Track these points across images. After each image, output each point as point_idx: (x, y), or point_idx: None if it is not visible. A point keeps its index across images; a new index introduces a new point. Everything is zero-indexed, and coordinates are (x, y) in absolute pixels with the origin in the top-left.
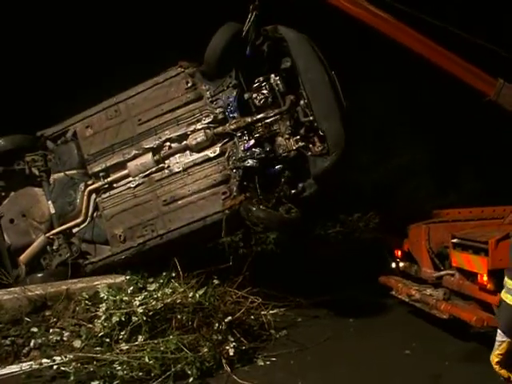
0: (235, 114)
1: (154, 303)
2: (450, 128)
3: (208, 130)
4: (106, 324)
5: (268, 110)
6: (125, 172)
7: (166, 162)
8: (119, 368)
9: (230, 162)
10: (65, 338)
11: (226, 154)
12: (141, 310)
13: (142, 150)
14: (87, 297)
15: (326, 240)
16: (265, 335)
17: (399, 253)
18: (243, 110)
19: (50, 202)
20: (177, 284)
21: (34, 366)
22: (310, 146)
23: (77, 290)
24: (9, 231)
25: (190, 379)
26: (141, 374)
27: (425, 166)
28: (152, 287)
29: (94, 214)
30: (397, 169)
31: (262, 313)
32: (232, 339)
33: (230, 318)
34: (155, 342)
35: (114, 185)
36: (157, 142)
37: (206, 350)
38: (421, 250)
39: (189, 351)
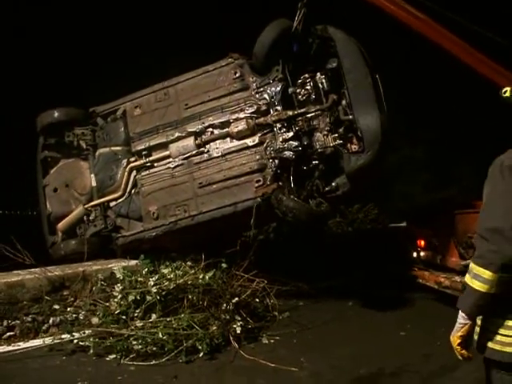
0: (278, 107)
1: (166, 284)
2: (447, 121)
3: (250, 120)
4: (122, 302)
5: (310, 106)
6: (166, 153)
7: (207, 146)
8: (135, 343)
9: (268, 152)
10: (82, 316)
11: (265, 144)
12: (155, 290)
13: (185, 133)
14: (103, 278)
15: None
16: (269, 316)
17: (422, 242)
18: (286, 103)
19: (92, 175)
20: (187, 267)
21: (55, 341)
22: (347, 144)
23: (93, 271)
24: (51, 199)
25: (201, 354)
26: (155, 348)
27: (423, 160)
28: (164, 270)
29: (132, 191)
30: (395, 163)
31: (267, 295)
32: (239, 318)
33: (236, 299)
34: (168, 319)
35: (155, 164)
36: (200, 126)
37: (214, 327)
38: (447, 240)
39: (199, 328)
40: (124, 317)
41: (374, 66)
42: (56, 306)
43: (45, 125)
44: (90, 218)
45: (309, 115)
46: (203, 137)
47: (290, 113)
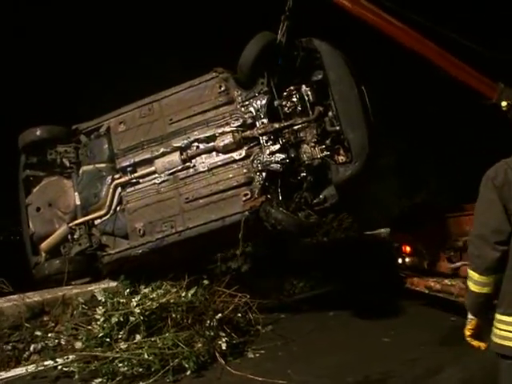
0: (264, 120)
1: (149, 303)
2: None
3: (236, 133)
4: (105, 325)
5: (296, 118)
6: (151, 168)
7: (193, 161)
8: (120, 365)
9: (255, 165)
10: (65, 341)
11: (251, 157)
12: (138, 310)
13: (171, 149)
14: (83, 301)
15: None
16: (252, 330)
17: (407, 248)
18: (272, 116)
19: (76, 194)
20: (169, 286)
21: (38, 368)
22: (335, 156)
23: (73, 295)
24: (34, 219)
25: (188, 372)
26: (141, 369)
27: (392, 168)
28: (145, 290)
29: (118, 208)
30: None
31: (249, 310)
32: (223, 334)
33: (220, 315)
34: (153, 339)
35: (140, 180)
36: (185, 141)
37: (200, 345)
38: (434, 244)
39: (185, 347)
40: (108, 339)
41: (359, 78)
42: (37, 333)
43: (27, 143)
44: (75, 236)
45: (295, 127)
46: (189, 151)
47: (277, 125)
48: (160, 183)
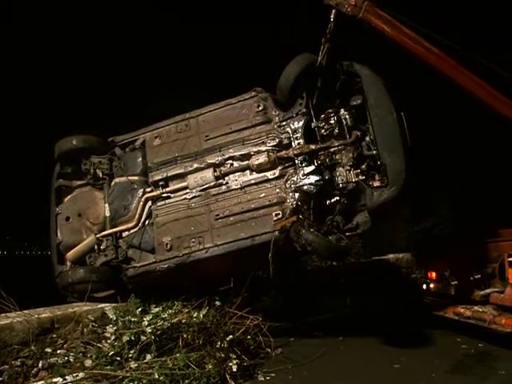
0: (300, 141)
1: (161, 323)
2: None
3: (271, 153)
4: (115, 343)
5: (333, 141)
6: (184, 184)
7: (226, 178)
8: None
9: (288, 186)
10: (75, 358)
11: (285, 178)
12: (149, 330)
13: (204, 165)
14: (93, 319)
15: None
16: (262, 353)
17: (433, 274)
18: (308, 137)
19: (106, 205)
20: (180, 306)
21: None
22: (369, 181)
23: (83, 312)
24: (62, 228)
25: None
26: None
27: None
28: (156, 309)
29: (146, 222)
30: None
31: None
32: (234, 356)
33: (231, 336)
34: (163, 359)
35: (171, 195)
36: (220, 158)
37: (211, 366)
38: (463, 271)
39: (195, 368)
40: (118, 358)
41: (398, 103)
42: (46, 349)
43: (63, 151)
44: (101, 247)
45: (331, 149)
46: (222, 169)
47: (313, 146)
48: (191, 198)
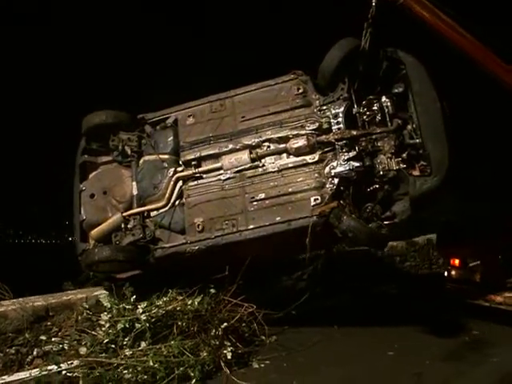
0: (340, 126)
1: (155, 310)
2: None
3: (310, 137)
4: (110, 331)
5: (374, 127)
6: (217, 165)
7: (262, 160)
8: (125, 372)
9: (327, 171)
10: (69, 346)
11: (324, 162)
12: (144, 317)
13: (240, 146)
14: (88, 306)
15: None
16: (257, 341)
17: (456, 261)
18: (349, 123)
19: (134, 183)
20: (174, 293)
21: (42, 373)
22: (410, 169)
23: (77, 300)
24: (86, 205)
25: (193, 381)
26: (146, 377)
27: None
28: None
29: (177, 202)
30: None
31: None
32: (229, 344)
33: (225, 324)
34: (158, 347)
35: (204, 175)
36: (256, 140)
37: (205, 353)
38: (490, 258)
39: (190, 355)
40: (113, 346)
41: (442, 93)
42: (41, 337)
43: (91, 126)
44: (128, 226)
45: (373, 136)
46: (258, 151)
47: (354, 132)
48: (225, 180)
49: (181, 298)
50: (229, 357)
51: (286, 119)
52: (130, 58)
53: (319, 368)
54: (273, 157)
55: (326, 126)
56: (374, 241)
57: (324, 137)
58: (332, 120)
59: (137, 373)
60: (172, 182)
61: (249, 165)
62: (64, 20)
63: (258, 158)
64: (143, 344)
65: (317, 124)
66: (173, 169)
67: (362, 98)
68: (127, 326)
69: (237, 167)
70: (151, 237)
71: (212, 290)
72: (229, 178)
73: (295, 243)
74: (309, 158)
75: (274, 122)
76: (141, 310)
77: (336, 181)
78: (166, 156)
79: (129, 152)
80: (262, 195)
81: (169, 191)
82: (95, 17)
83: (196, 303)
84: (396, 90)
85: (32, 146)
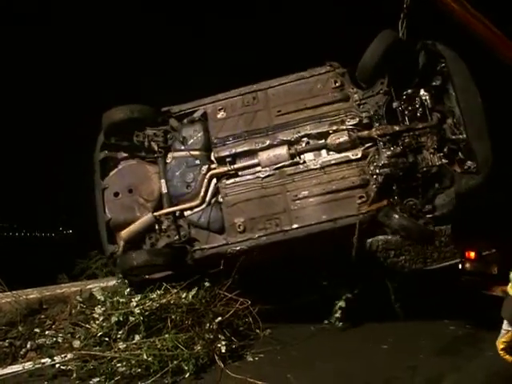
0: (381, 121)
1: (149, 304)
2: None
3: (352, 132)
4: (104, 324)
5: (417, 122)
6: (254, 161)
7: (302, 157)
8: (119, 365)
9: (371, 168)
10: (63, 339)
11: (368, 159)
12: (138, 311)
13: (277, 142)
14: (81, 300)
15: None
16: (251, 334)
17: (471, 254)
18: (390, 118)
19: (162, 181)
20: (169, 286)
21: (35, 366)
22: (452, 164)
23: (71, 293)
24: (111, 204)
25: (187, 374)
26: (140, 370)
27: None
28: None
29: (212, 200)
30: None
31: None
32: (223, 337)
33: (220, 318)
34: (152, 340)
35: (239, 173)
36: (295, 135)
37: (199, 347)
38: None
39: (184, 348)
40: (106, 339)
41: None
42: (35, 330)
43: (115, 121)
44: (163, 226)
45: (416, 132)
46: (297, 147)
47: (397, 128)
48: (264, 177)
49: (175, 291)
50: (223, 350)
51: (325, 114)
52: (130, 58)
53: (313, 362)
54: (312, 153)
55: (366, 121)
56: (425, 238)
57: (366, 132)
58: (372, 115)
59: (130, 366)
60: (206, 180)
61: (288, 161)
62: (64, 20)
63: (298, 154)
64: (137, 337)
65: (357, 119)
66: (206, 166)
67: (400, 92)
68: (121, 319)
69: (276, 164)
70: (187, 238)
71: (206, 284)
72: (268, 176)
73: (338, 241)
74: (351, 155)
75: (313, 116)
76: (135, 304)
77: (380, 178)
78: (197, 152)
79: (155, 148)
80: (305, 193)
81: (203, 189)
82: (95, 17)
83: (190, 296)
84: (434, 83)
85: (28, 142)
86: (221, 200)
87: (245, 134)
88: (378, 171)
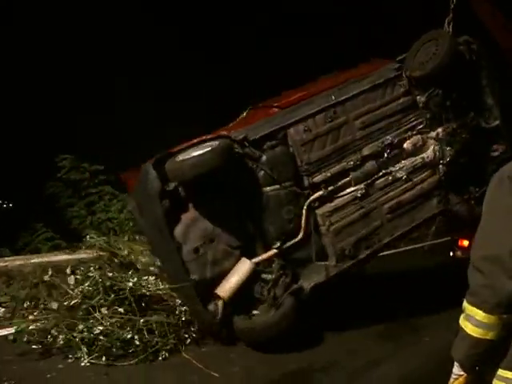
0: (443, 120)
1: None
2: None
3: (423, 135)
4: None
5: (466, 118)
6: (345, 180)
7: (389, 168)
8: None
9: (441, 167)
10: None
11: (437, 158)
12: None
13: (365, 156)
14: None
15: None
16: None
17: (465, 243)
18: (449, 116)
19: (249, 222)
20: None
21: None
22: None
23: (15, 266)
24: (193, 264)
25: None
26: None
27: None
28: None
29: (313, 230)
30: None
31: None
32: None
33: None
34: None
35: (335, 195)
36: (379, 146)
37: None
38: None
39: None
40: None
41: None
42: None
43: (185, 180)
44: (272, 276)
45: (468, 126)
46: (383, 158)
47: (454, 125)
48: (361, 196)
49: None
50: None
51: (400, 120)
52: (129, 57)
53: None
54: (395, 161)
55: (429, 122)
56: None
57: (434, 134)
58: (435, 116)
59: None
60: (304, 211)
61: (377, 175)
62: (64, 19)
63: (385, 166)
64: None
65: (425, 121)
66: (303, 196)
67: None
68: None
69: (367, 180)
70: (295, 277)
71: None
72: (364, 194)
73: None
74: (426, 157)
75: (391, 123)
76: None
77: (450, 175)
78: (288, 182)
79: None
80: (398, 202)
81: (304, 221)
82: (95, 16)
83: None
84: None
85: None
86: (325, 228)
87: (335, 154)
88: (446, 170)
